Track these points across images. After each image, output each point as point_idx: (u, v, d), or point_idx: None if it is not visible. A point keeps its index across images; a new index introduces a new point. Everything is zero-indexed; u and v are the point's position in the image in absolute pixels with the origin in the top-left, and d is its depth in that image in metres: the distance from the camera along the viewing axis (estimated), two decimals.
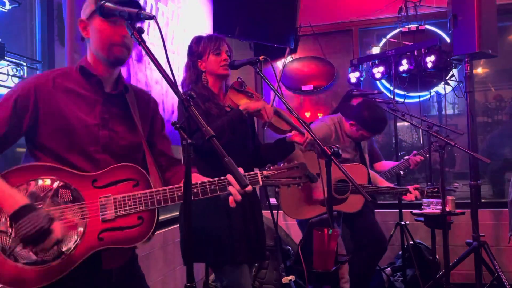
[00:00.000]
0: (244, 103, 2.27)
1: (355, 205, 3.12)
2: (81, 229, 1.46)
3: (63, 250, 1.43)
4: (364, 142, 3.34)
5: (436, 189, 3.20)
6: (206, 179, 1.58)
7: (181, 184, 1.49)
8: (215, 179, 1.55)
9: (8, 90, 1.63)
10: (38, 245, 1.37)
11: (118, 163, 1.55)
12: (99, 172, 1.51)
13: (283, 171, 1.64)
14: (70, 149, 1.51)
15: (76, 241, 1.44)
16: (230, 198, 1.51)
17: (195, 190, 1.53)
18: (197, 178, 1.66)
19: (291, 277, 3.61)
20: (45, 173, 1.46)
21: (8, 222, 1.40)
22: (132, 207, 1.49)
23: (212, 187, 1.54)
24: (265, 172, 1.61)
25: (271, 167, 1.66)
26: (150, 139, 1.70)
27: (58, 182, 1.46)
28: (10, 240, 1.40)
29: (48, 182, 1.46)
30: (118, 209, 1.49)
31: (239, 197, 1.50)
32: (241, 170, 1.56)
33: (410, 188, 3.18)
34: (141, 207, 1.49)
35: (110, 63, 1.56)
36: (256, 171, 1.62)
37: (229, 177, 1.52)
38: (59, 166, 1.48)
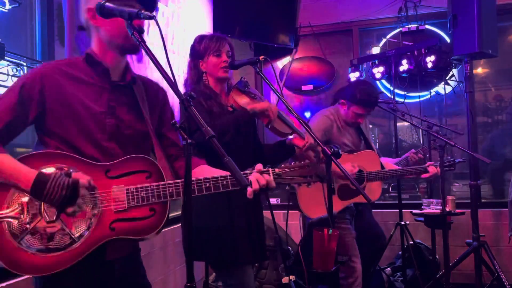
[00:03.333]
0: (246, 103, 2.27)
1: (374, 193, 3.06)
2: (93, 218, 1.47)
3: (75, 238, 1.44)
4: (367, 131, 3.28)
5: (449, 163, 3.14)
6: (220, 171, 1.59)
7: (196, 178, 1.52)
8: (228, 173, 1.55)
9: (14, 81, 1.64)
10: (74, 201, 1.39)
11: (125, 152, 1.56)
12: (112, 162, 1.52)
13: (294, 170, 1.64)
14: (78, 136, 1.52)
15: (88, 229, 1.45)
16: (249, 189, 1.51)
17: (207, 185, 1.53)
18: (211, 171, 1.67)
19: (291, 277, 3.60)
20: (58, 161, 1.47)
21: (21, 208, 1.42)
22: (145, 198, 1.50)
23: (224, 182, 1.54)
24: (276, 170, 1.61)
25: (282, 165, 1.65)
26: (161, 131, 1.71)
27: (71, 170, 1.46)
28: (22, 226, 1.42)
29: (61, 170, 1.45)
30: (131, 200, 1.49)
31: (257, 186, 1.51)
32: (260, 166, 1.58)
33: (427, 165, 3.11)
34: (153, 199, 1.50)
35: (125, 51, 1.57)
36: (268, 168, 1.62)
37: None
38: (73, 154, 1.49)
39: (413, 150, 3.50)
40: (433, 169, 3.09)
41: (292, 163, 1.66)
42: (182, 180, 1.52)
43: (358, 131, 3.19)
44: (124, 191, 1.50)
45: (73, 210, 1.42)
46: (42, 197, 1.38)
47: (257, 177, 1.53)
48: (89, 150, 1.52)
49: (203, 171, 1.68)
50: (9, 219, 1.42)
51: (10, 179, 1.41)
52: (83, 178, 1.42)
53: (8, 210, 1.43)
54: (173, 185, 1.52)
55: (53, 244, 1.42)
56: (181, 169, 1.70)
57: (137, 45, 1.53)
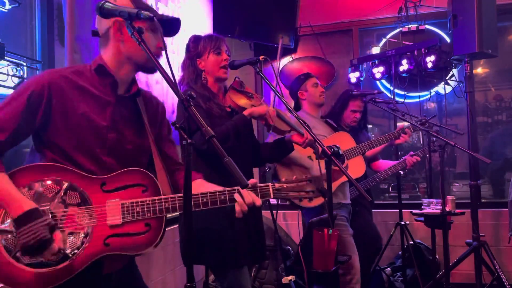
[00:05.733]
0: (244, 103, 2.27)
1: (359, 169, 3.14)
2: (87, 233, 1.44)
3: (69, 254, 1.41)
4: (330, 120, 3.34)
5: (419, 122, 3.28)
6: (214, 187, 1.57)
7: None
8: (225, 189, 1.54)
9: (22, 83, 1.61)
10: (37, 255, 1.37)
11: (122, 167, 1.53)
12: (108, 175, 1.50)
13: (295, 185, 1.61)
14: (77, 149, 1.49)
15: (82, 245, 1.43)
16: (237, 207, 1.51)
17: (205, 200, 1.51)
18: (204, 186, 1.65)
19: (291, 277, 3.60)
20: (53, 174, 1.45)
21: (14, 223, 1.39)
22: (140, 213, 1.47)
23: (222, 197, 1.53)
24: (276, 185, 1.60)
25: (283, 179, 1.63)
26: (157, 143, 1.69)
27: (66, 183, 1.45)
28: (16, 240, 1.39)
29: (56, 183, 1.44)
30: (126, 215, 1.47)
31: (245, 208, 1.50)
32: (253, 181, 1.58)
33: (399, 129, 3.31)
34: (149, 214, 1.48)
35: (143, 70, 1.58)
36: (268, 183, 1.61)
37: (240, 192, 1.54)
38: (68, 167, 1.46)
39: (411, 152, 3.51)
40: (402, 138, 3.29)
41: (294, 178, 1.63)
42: (179, 195, 1.50)
43: (331, 127, 3.24)
44: (119, 205, 1.47)
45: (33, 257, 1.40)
46: (17, 232, 1.36)
47: (244, 195, 1.51)
48: (87, 164, 1.50)
49: (200, 186, 1.66)
50: (3, 233, 1.40)
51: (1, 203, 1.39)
52: (59, 241, 1.40)
53: (2, 224, 1.40)
54: (169, 199, 1.49)
55: (47, 259, 1.40)
56: (179, 181, 1.68)
57: (154, 68, 1.52)
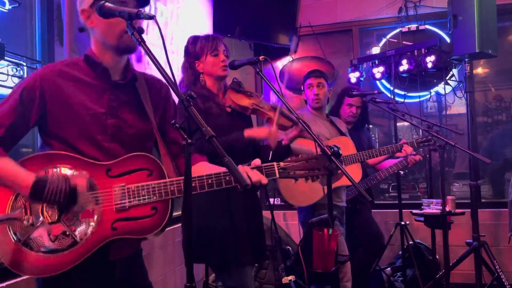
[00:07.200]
0: (244, 103, 2.28)
1: (355, 175, 3.12)
2: (94, 218, 1.46)
3: (77, 239, 1.44)
4: (344, 126, 3.33)
5: (424, 139, 3.26)
6: (217, 168, 1.58)
7: (195, 175, 1.49)
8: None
9: (14, 86, 1.64)
10: (74, 204, 1.41)
11: (127, 152, 1.55)
12: (113, 161, 1.52)
13: (301, 163, 1.57)
14: (79, 138, 1.52)
15: (90, 230, 1.45)
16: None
17: (210, 181, 1.52)
18: (207, 167, 1.66)
19: (291, 277, 3.60)
20: (59, 161, 1.47)
21: (23, 210, 1.43)
22: (146, 197, 1.49)
23: (227, 178, 1.52)
24: (282, 164, 1.57)
25: (289, 158, 1.59)
26: (162, 127, 1.69)
27: (72, 170, 1.47)
28: (25, 227, 1.42)
29: (62, 170, 1.47)
30: (132, 199, 1.48)
31: (249, 181, 1.49)
32: (258, 161, 1.57)
33: (402, 143, 3.26)
34: (154, 197, 1.49)
35: (120, 51, 1.56)
36: (273, 162, 1.58)
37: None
38: (74, 155, 1.49)
39: (413, 152, 3.50)
40: (407, 148, 3.23)
41: (300, 156, 1.60)
42: (183, 177, 1.49)
43: (336, 127, 3.24)
44: (125, 190, 1.49)
45: (75, 211, 1.43)
46: (41, 201, 1.40)
47: (247, 171, 1.50)
48: (91, 151, 1.52)
49: (203, 167, 1.67)
50: (12, 221, 1.42)
51: (8, 183, 1.43)
52: (82, 181, 1.42)
53: (11, 212, 1.43)
54: (175, 182, 1.50)
55: (56, 245, 1.42)
56: (182, 166, 1.68)
57: (132, 46, 1.53)
